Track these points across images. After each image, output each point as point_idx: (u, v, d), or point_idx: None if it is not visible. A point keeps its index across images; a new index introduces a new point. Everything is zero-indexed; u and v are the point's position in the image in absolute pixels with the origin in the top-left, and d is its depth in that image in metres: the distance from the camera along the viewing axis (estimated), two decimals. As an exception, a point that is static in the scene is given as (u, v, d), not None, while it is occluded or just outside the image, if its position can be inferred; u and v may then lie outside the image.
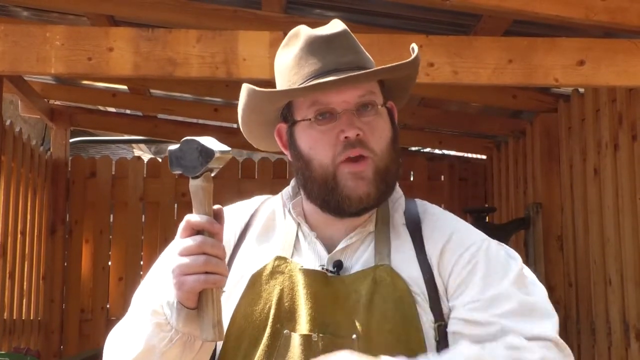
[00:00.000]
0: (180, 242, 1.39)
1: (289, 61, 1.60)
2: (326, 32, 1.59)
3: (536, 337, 1.45)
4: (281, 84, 1.62)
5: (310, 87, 1.55)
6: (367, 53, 1.63)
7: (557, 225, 4.96)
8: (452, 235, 1.58)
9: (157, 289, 1.49)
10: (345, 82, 1.53)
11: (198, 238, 1.38)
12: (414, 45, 1.61)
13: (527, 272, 1.57)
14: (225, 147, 1.40)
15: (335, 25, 1.61)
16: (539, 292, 1.54)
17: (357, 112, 1.55)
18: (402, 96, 1.70)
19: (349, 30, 1.61)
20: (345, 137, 1.53)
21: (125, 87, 5.72)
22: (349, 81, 1.53)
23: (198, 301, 1.39)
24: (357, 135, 1.53)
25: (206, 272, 1.37)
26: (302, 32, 1.61)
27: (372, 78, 1.57)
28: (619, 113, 4.11)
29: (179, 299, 1.40)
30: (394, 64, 1.58)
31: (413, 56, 1.59)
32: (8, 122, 5.14)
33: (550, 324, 1.48)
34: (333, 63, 1.56)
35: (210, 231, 1.39)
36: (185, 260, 1.37)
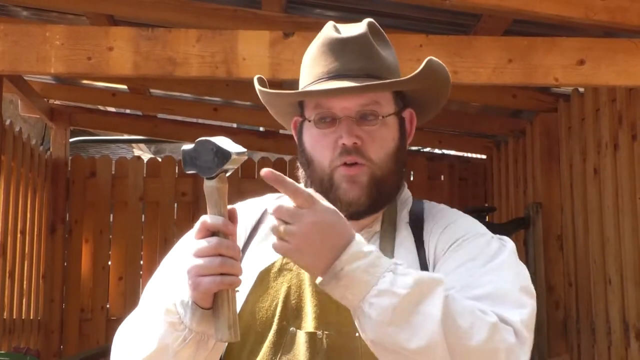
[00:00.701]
0: (196, 243, 1.39)
1: (308, 57, 1.63)
2: (344, 34, 1.59)
3: (500, 318, 1.40)
4: (300, 78, 1.64)
5: (301, 93, 1.58)
6: (387, 59, 1.60)
7: (557, 225, 4.96)
8: (449, 225, 1.59)
9: (170, 288, 1.49)
10: (335, 93, 1.54)
11: (214, 240, 1.37)
12: (429, 59, 1.56)
13: (513, 259, 1.52)
14: (241, 149, 1.40)
15: (359, 27, 1.61)
16: (518, 281, 1.48)
17: (358, 120, 1.56)
18: (429, 106, 1.68)
19: (370, 33, 1.59)
20: (343, 144, 1.54)
21: (125, 86, 5.72)
22: (338, 93, 1.54)
23: (213, 301, 1.39)
24: (355, 143, 1.54)
25: (222, 274, 1.37)
26: (324, 30, 1.62)
27: (361, 92, 1.55)
28: (618, 113, 4.11)
29: (194, 299, 1.41)
30: (391, 80, 1.56)
31: (416, 72, 1.55)
32: (8, 122, 5.15)
33: (518, 313, 1.42)
34: (341, 68, 1.56)
35: (225, 233, 1.39)
36: (201, 261, 1.37)
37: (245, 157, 1.41)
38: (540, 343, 4.84)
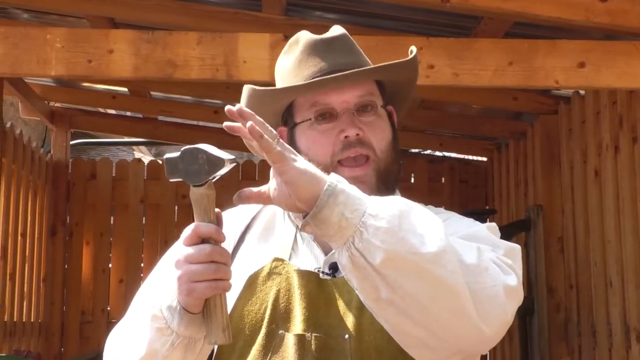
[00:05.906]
0: (187, 250, 1.39)
1: (289, 65, 1.63)
2: (326, 36, 1.62)
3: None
4: (283, 85, 1.64)
5: (312, 84, 1.57)
6: (366, 57, 1.65)
7: (558, 227, 4.96)
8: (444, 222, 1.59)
9: (156, 294, 1.50)
10: (347, 78, 1.55)
11: (207, 247, 1.38)
12: (413, 48, 1.63)
13: (491, 232, 1.53)
14: (230, 155, 1.40)
15: (335, 30, 1.64)
16: (492, 241, 1.48)
17: (357, 112, 1.57)
18: (402, 102, 1.72)
19: (348, 34, 1.64)
20: (346, 137, 1.55)
21: (125, 89, 5.72)
22: (351, 77, 1.55)
23: (204, 306, 1.40)
24: (357, 134, 1.55)
25: (215, 279, 1.38)
26: (302, 37, 1.64)
27: (373, 75, 1.59)
28: (619, 115, 4.11)
29: (184, 305, 1.41)
30: (394, 61, 1.60)
31: (412, 55, 1.61)
32: (8, 124, 5.14)
33: (493, 254, 1.42)
34: (333, 64, 1.58)
35: (216, 240, 1.39)
36: (194, 267, 1.38)
37: (235, 164, 1.41)
38: (541, 345, 4.84)
